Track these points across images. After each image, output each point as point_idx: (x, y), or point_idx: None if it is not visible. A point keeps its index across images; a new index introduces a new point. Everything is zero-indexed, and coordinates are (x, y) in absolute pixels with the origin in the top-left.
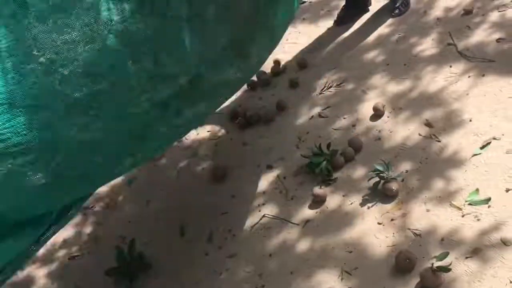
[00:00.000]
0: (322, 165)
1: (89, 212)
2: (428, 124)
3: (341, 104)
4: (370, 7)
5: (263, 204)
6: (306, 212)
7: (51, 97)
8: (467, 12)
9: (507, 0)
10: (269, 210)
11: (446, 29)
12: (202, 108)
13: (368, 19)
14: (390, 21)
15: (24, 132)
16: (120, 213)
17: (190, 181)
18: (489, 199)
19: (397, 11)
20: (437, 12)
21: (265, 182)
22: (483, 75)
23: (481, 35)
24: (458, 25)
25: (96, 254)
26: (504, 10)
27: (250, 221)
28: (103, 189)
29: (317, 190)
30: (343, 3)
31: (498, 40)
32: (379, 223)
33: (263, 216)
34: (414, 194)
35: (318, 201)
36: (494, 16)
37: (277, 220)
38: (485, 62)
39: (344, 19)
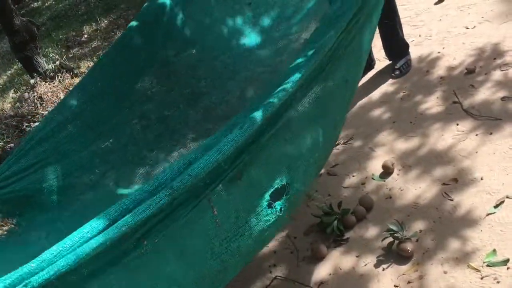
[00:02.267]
0: (334, 225)
1: None
2: (440, 182)
3: (349, 162)
4: (375, 66)
5: (274, 265)
6: (319, 274)
7: None
8: (470, 71)
9: (509, 60)
10: (281, 272)
11: (450, 87)
12: None
13: (372, 77)
14: (393, 79)
15: None
16: None
17: None
18: (507, 260)
19: (397, 72)
20: (439, 71)
21: (275, 241)
22: (491, 133)
23: (485, 94)
24: (462, 84)
25: None
26: (506, 69)
27: (261, 283)
28: None
29: (320, 246)
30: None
31: (503, 99)
32: (395, 286)
33: (275, 278)
34: (430, 255)
35: (317, 257)
36: (497, 75)
37: (290, 282)
38: (492, 120)
39: None
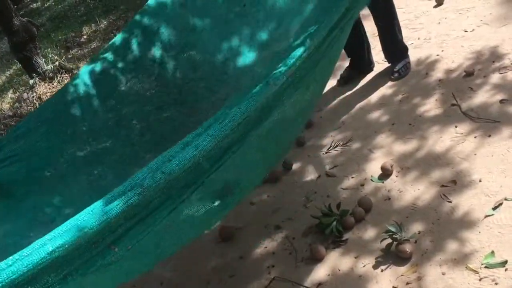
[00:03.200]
0: (332, 226)
1: None
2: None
3: (348, 163)
4: (374, 68)
5: (273, 266)
6: (318, 275)
7: None
8: (468, 74)
9: (507, 63)
10: (279, 273)
11: (449, 90)
12: None
13: (371, 80)
14: (392, 82)
15: None
16: None
17: (196, 241)
18: (505, 262)
19: (396, 74)
20: (438, 74)
21: (273, 242)
22: (489, 136)
23: (484, 96)
24: (460, 87)
25: None
26: (505, 72)
27: (260, 284)
28: None
29: (318, 247)
30: (345, 64)
31: (501, 101)
32: (394, 287)
33: (273, 278)
34: (428, 256)
35: (316, 258)
36: (495, 78)
37: (288, 283)
38: (490, 122)
39: (348, 79)
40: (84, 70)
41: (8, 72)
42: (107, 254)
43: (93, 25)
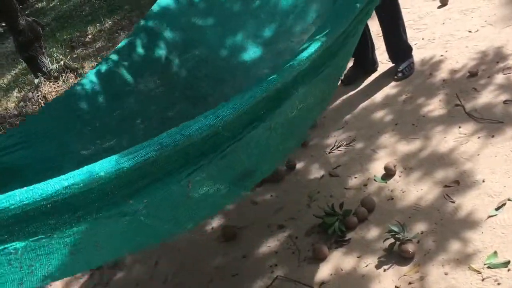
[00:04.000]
0: (335, 226)
1: (96, 271)
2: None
3: (351, 163)
4: (378, 68)
5: (276, 265)
6: (321, 274)
7: None
8: (472, 74)
9: (511, 63)
10: (282, 272)
11: (453, 90)
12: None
13: (375, 79)
14: (396, 82)
15: None
16: (128, 273)
17: (199, 241)
18: (508, 262)
19: (400, 74)
20: (442, 74)
21: (276, 242)
22: (493, 136)
23: (488, 97)
24: (464, 87)
25: None
26: (509, 73)
27: (263, 283)
28: None
29: (321, 246)
30: (348, 64)
31: (505, 102)
32: (396, 287)
33: (276, 277)
34: (431, 256)
35: (319, 258)
36: (500, 78)
37: (291, 282)
38: (494, 123)
39: (352, 79)
40: (91, 71)
41: (14, 72)
42: (121, 204)
43: (98, 24)
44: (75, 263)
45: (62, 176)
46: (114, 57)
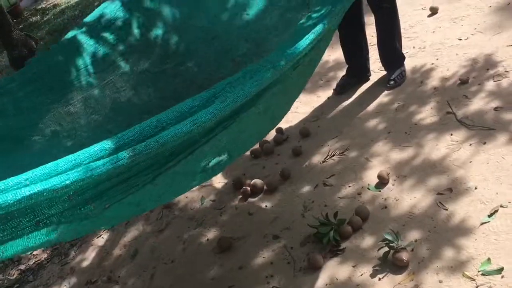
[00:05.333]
0: (330, 235)
1: (92, 286)
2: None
3: (345, 172)
4: (370, 77)
5: (271, 275)
6: (316, 284)
7: None
8: (463, 81)
9: (501, 70)
10: (278, 282)
11: (444, 98)
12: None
13: (368, 88)
14: (388, 90)
15: None
16: (123, 287)
17: (195, 252)
18: (502, 269)
19: (392, 82)
20: (433, 82)
21: (272, 252)
22: (484, 143)
23: (479, 104)
24: (456, 95)
25: None
26: (499, 80)
27: None
28: (106, 262)
29: (316, 256)
30: (340, 73)
31: (496, 109)
32: None
33: None
34: (425, 264)
35: (314, 267)
36: (490, 85)
37: None
38: (485, 130)
39: (344, 88)
40: (76, 34)
41: None
42: (83, 209)
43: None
44: None
45: (25, 177)
46: (103, 32)
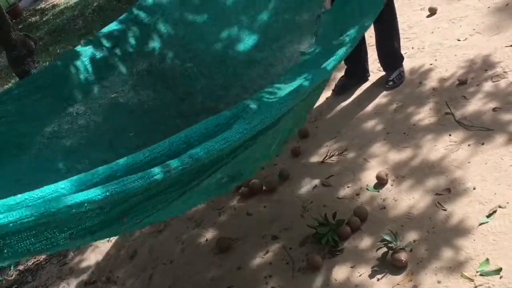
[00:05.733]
0: (328, 236)
1: (90, 286)
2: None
3: (343, 173)
4: (369, 78)
5: (270, 276)
6: (315, 285)
7: None
8: (462, 82)
9: (500, 71)
10: (277, 283)
11: (443, 98)
12: None
13: (366, 89)
14: (387, 91)
15: None
16: None
17: (194, 253)
18: (500, 269)
19: (391, 83)
20: (432, 82)
21: (271, 253)
22: (483, 144)
23: (477, 105)
24: (454, 95)
25: None
26: (497, 81)
27: None
28: (104, 262)
29: (315, 256)
30: (339, 74)
31: (494, 109)
32: None
33: None
34: (423, 265)
35: (312, 268)
36: (488, 86)
37: None
38: (484, 130)
39: (343, 88)
40: (82, 49)
41: (7, 86)
42: (115, 222)
43: (91, 38)
44: None
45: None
46: (105, 42)
